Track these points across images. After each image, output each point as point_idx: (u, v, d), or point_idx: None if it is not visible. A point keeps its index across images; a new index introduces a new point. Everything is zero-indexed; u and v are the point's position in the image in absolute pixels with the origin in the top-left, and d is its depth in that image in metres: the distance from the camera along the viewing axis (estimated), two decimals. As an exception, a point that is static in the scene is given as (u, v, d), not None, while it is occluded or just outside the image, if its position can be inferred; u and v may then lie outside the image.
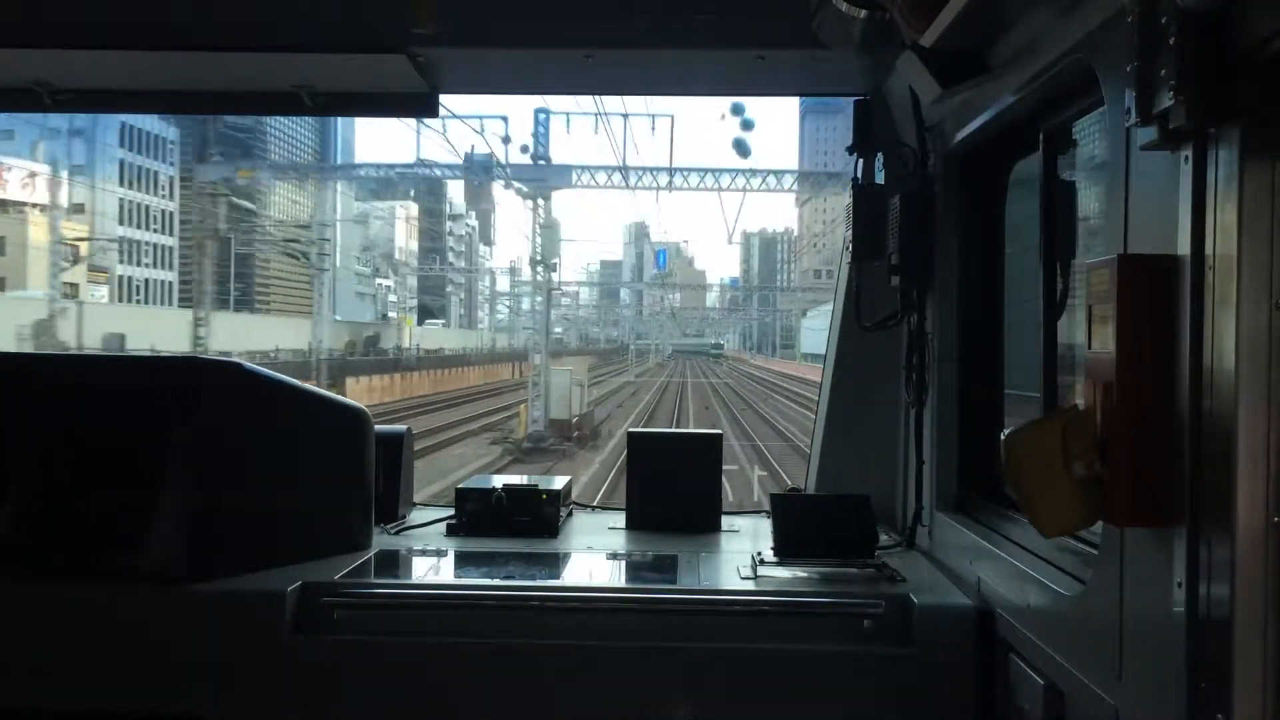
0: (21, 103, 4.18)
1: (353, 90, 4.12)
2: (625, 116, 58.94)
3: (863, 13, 3.05)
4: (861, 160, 4.00)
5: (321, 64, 3.76)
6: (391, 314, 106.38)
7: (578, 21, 3.62)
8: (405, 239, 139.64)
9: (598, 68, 3.90)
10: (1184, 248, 1.99)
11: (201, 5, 3.67)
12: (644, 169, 40.40)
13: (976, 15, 2.76)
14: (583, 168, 40.32)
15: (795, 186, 44.43)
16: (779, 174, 42.00)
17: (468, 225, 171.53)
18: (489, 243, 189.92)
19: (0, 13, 3.60)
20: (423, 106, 4.16)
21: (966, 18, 2.75)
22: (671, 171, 40.01)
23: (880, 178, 4.05)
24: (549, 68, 4.07)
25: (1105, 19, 2.27)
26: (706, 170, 40.90)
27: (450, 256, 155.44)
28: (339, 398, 3.98)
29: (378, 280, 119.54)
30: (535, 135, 40.59)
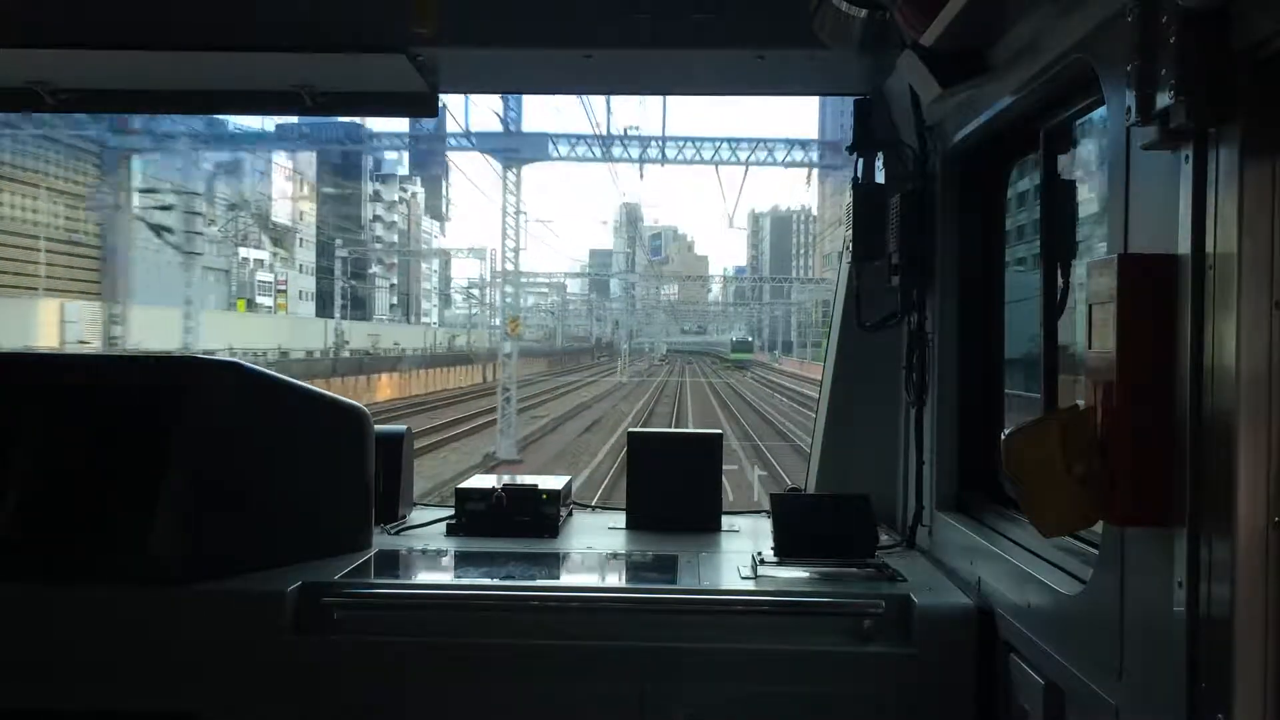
0: (21, 103, 4.18)
1: (353, 90, 4.13)
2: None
3: (863, 12, 3.05)
4: (861, 160, 4.00)
5: (321, 64, 3.76)
6: (263, 298, 79.08)
7: (578, 21, 3.62)
8: (294, 199, 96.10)
9: (598, 67, 3.90)
10: (1184, 247, 1.99)
11: (201, 5, 3.66)
12: (632, 138, 33.77)
13: (976, 15, 2.76)
14: (562, 136, 33.08)
15: (813, 158, 34.46)
16: (793, 144, 33.66)
17: (404, 192, 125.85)
18: (439, 217, 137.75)
19: (0, 13, 3.60)
20: (423, 106, 4.17)
21: (966, 17, 2.75)
22: (664, 142, 33.30)
23: (880, 177, 4.05)
24: (549, 67, 4.08)
25: (1105, 18, 2.27)
26: (703, 140, 33.64)
27: (380, 230, 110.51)
28: (339, 397, 3.98)
29: (243, 252, 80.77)
30: (505, 101, 32.38)
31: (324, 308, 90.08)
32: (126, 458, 3.44)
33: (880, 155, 4.04)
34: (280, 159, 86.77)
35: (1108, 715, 2.26)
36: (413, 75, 3.82)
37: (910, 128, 3.82)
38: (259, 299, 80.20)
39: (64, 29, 3.61)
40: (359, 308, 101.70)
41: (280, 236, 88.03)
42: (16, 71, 3.96)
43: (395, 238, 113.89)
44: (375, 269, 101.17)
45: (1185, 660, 1.96)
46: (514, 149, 34.03)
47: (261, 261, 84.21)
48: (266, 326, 58.14)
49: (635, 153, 34.11)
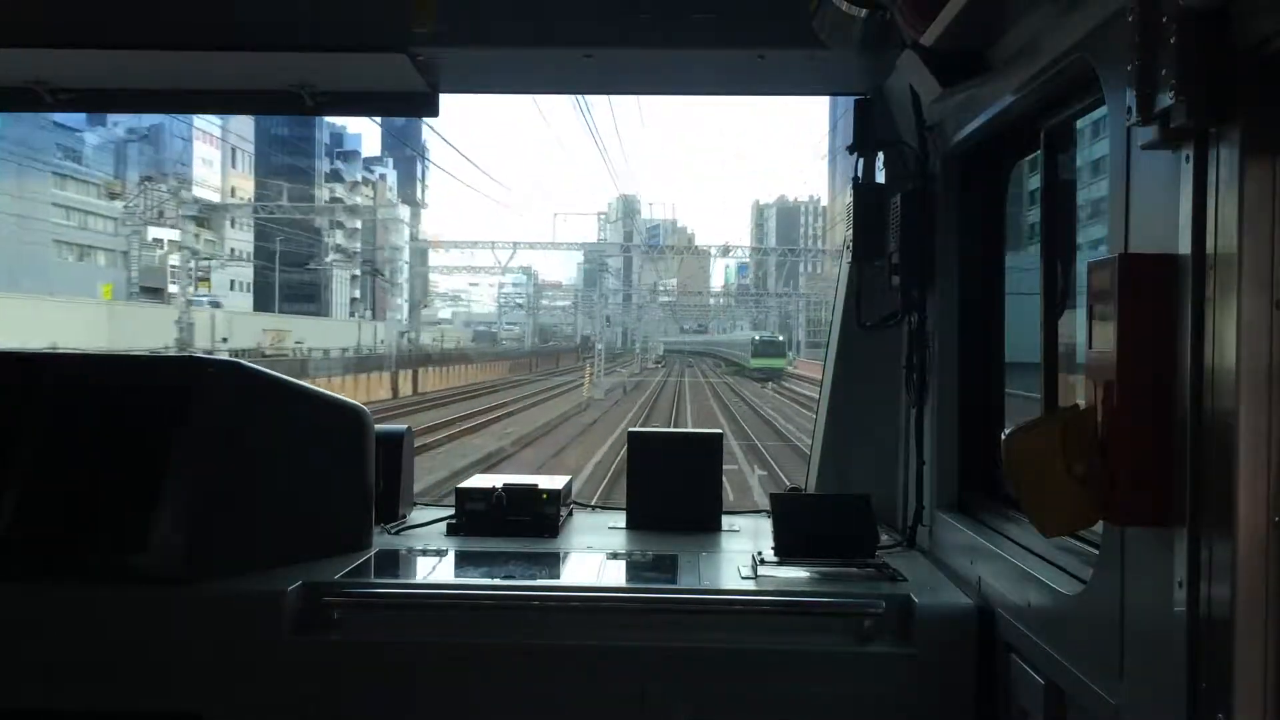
0: (21, 102, 4.18)
1: (353, 90, 4.13)
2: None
3: (863, 12, 3.05)
4: (862, 160, 4.00)
5: (321, 64, 3.77)
6: (173, 287, 61.00)
7: (578, 21, 3.62)
8: (225, 173, 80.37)
9: (598, 67, 3.90)
10: (1185, 247, 1.99)
11: (201, 5, 3.67)
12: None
13: (977, 14, 2.76)
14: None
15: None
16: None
17: (370, 173, 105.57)
18: (414, 204, 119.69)
19: (0, 13, 3.60)
20: (423, 106, 4.17)
21: (967, 16, 2.75)
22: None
23: (881, 177, 4.06)
24: (549, 67, 4.08)
25: (1106, 18, 2.27)
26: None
27: (340, 214, 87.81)
28: (339, 397, 3.98)
29: (154, 232, 62.93)
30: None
31: (267, 300, 77.41)
32: (127, 458, 3.44)
33: (880, 155, 4.05)
34: (205, 123, 73.80)
35: (1108, 715, 2.26)
36: (413, 75, 3.82)
37: (910, 128, 3.82)
38: (172, 288, 62.99)
39: (64, 29, 3.61)
40: (309, 300, 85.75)
41: (205, 216, 69.90)
42: (16, 71, 3.96)
43: (358, 224, 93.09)
44: (334, 256, 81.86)
45: (1185, 660, 1.96)
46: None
47: (177, 243, 66.44)
48: (64, 316, 40.46)
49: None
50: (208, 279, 68.56)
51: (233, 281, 77.77)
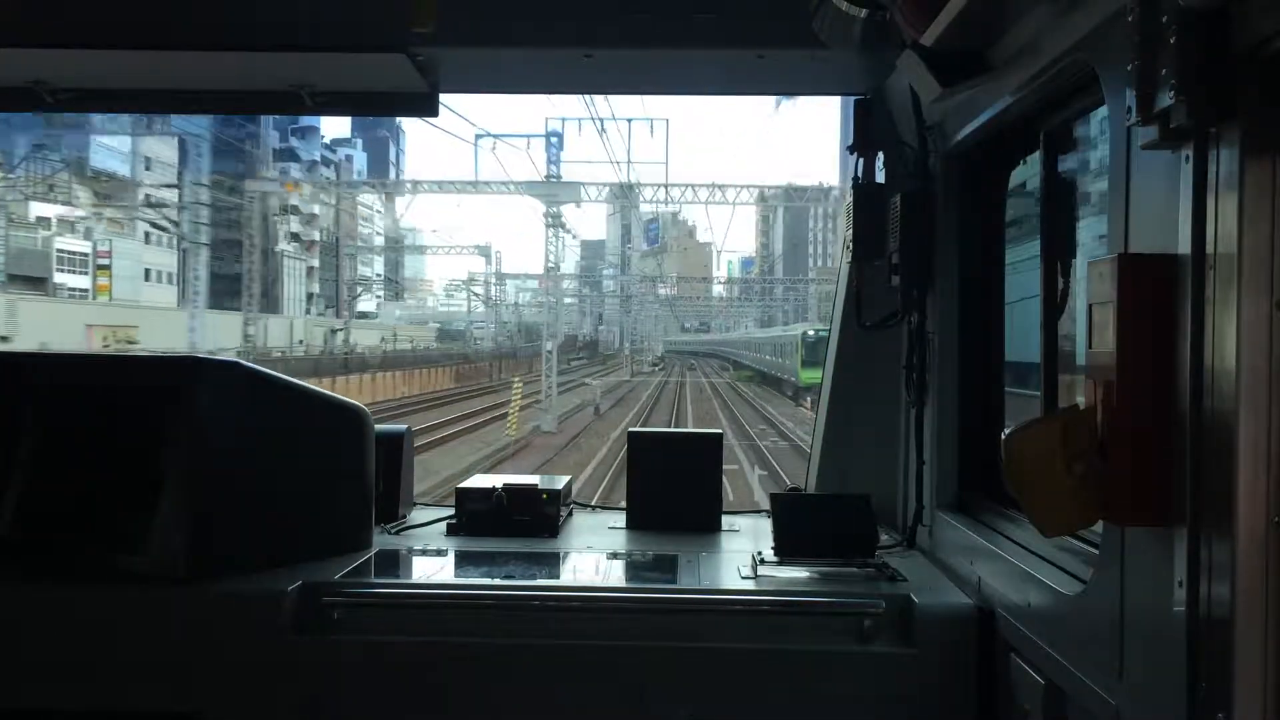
0: (21, 102, 4.18)
1: (353, 90, 4.13)
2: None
3: (863, 12, 3.05)
4: (862, 160, 4.01)
5: (321, 64, 3.77)
6: (69, 276, 52.54)
7: (578, 21, 3.63)
8: (136, 143, 64.36)
9: (598, 67, 3.90)
10: (1184, 247, 1.99)
11: (202, 5, 3.67)
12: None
13: (977, 14, 2.76)
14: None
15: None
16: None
17: (332, 154, 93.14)
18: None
19: (0, 13, 3.60)
20: (423, 106, 4.17)
21: (967, 17, 2.75)
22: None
23: (881, 177, 4.06)
24: (549, 67, 4.08)
25: (1106, 18, 2.27)
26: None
27: (295, 199, 70.09)
28: (339, 397, 3.98)
29: (39, 209, 52.71)
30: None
31: (209, 296, 60.50)
32: (127, 458, 3.44)
33: (880, 155, 4.05)
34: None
35: (1108, 715, 2.26)
36: (413, 75, 3.82)
37: (910, 128, 3.82)
38: (59, 277, 52.04)
39: (64, 29, 3.61)
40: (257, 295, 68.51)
41: (113, 191, 57.43)
42: (16, 71, 3.96)
43: (317, 209, 78.08)
44: (287, 246, 68.31)
45: (1185, 660, 1.97)
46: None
47: (70, 224, 54.12)
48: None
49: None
50: (107, 266, 56.65)
51: (148, 270, 63.35)
